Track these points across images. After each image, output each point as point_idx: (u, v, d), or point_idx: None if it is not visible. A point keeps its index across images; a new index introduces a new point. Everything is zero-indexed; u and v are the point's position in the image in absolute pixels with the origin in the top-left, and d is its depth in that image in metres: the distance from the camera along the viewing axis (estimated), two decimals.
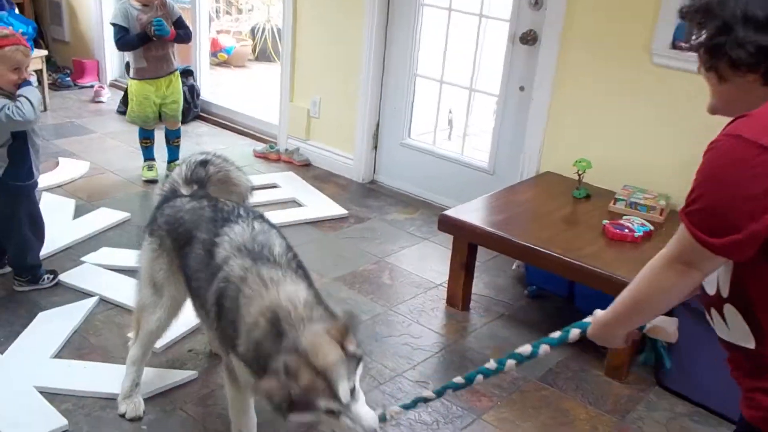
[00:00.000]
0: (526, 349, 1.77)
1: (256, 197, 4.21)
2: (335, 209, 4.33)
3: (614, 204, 3.44)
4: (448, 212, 3.35)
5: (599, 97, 3.69)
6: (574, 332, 1.71)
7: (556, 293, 3.57)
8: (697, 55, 1.43)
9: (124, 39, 4.32)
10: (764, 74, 1.34)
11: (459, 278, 3.37)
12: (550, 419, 2.78)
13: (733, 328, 1.46)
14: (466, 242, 3.31)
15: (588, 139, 3.75)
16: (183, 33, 4.46)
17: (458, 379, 1.90)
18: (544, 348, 1.76)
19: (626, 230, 3.17)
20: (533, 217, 3.41)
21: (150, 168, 4.60)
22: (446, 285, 3.51)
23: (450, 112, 5.04)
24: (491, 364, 1.82)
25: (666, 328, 1.70)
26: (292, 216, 4.16)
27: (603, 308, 3.03)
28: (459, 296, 3.40)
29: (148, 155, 4.63)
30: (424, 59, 4.46)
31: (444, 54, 4.37)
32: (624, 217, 3.30)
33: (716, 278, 1.45)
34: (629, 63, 3.55)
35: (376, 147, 4.75)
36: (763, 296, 1.38)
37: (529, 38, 3.91)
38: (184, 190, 2.55)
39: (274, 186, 4.58)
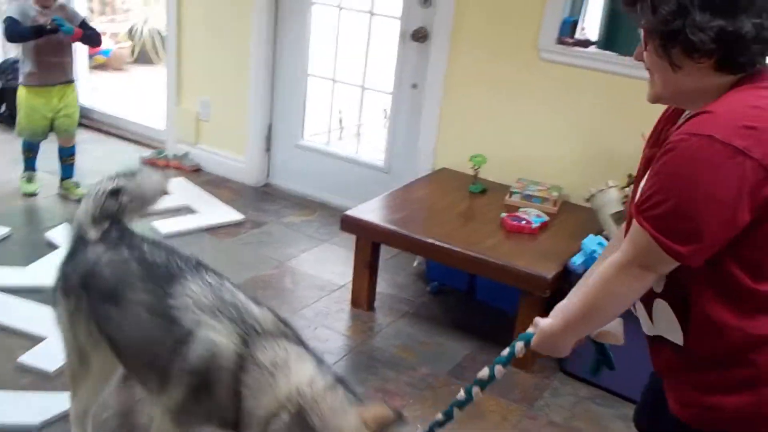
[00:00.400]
0: (483, 373, 1.69)
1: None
2: (231, 215, 4.22)
3: (510, 197, 3.51)
4: (350, 212, 3.33)
5: (491, 93, 3.76)
6: (519, 346, 1.64)
7: (457, 288, 3.61)
8: (644, 43, 1.37)
9: (16, 28, 3.84)
10: (719, 60, 1.30)
11: (363, 278, 3.35)
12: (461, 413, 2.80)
13: (659, 323, 1.47)
14: (370, 241, 3.29)
15: (482, 135, 3.81)
16: (91, 33, 4.10)
17: (439, 416, 1.79)
18: (498, 369, 1.68)
19: (523, 222, 3.24)
20: (433, 213, 3.43)
21: (29, 180, 4.27)
22: (349, 286, 3.48)
23: (340, 112, 5.02)
24: (461, 395, 1.74)
25: (613, 331, 1.65)
26: (186, 224, 4.02)
27: (504, 299, 3.10)
28: (364, 296, 3.38)
29: (29, 165, 4.27)
30: (315, 58, 4.42)
31: (336, 52, 4.34)
32: (520, 209, 3.37)
33: None
34: (518, 59, 3.64)
35: (269, 149, 4.66)
36: (699, 294, 1.37)
37: (420, 36, 3.93)
38: (93, 233, 2.15)
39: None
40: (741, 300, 1.36)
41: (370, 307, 3.41)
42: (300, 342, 1.88)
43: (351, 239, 3.79)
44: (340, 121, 5.12)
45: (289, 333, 1.88)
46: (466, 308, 3.52)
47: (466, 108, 3.86)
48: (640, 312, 1.52)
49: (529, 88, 3.65)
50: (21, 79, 4.08)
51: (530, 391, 2.96)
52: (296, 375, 1.75)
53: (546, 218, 3.29)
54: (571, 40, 3.54)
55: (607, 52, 3.44)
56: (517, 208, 3.39)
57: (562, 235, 3.22)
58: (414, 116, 4.07)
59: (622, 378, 2.85)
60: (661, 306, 1.45)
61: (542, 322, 1.58)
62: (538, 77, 3.61)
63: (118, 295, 2.00)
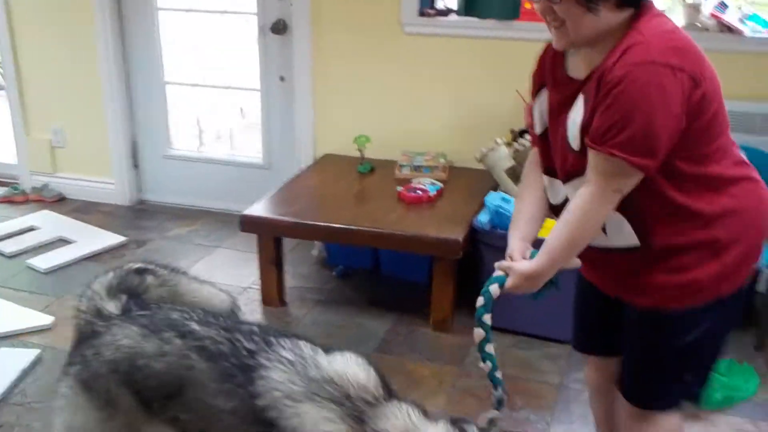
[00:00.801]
0: (478, 333, 1.70)
1: (15, 245, 3.84)
2: (110, 238, 4.00)
3: (399, 171, 3.57)
4: (248, 212, 3.25)
5: (361, 73, 3.79)
6: (494, 288, 1.68)
7: (362, 267, 3.64)
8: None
9: None
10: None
11: (271, 275, 3.30)
12: (398, 385, 2.81)
13: (613, 234, 1.62)
14: (272, 238, 3.24)
15: (360, 116, 3.84)
16: None
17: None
18: (486, 318, 1.70)
19: (419, 192, 3.31)
20: (330, 199, 3.42)
21: None
22: (255, 286, 3.42)
23: (198, 121, 4.86)
24: (485, 366, 1.74)
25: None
26: (65, 256, 3.77)
27: (409, 270, 3.19)
28: (274, 293, 3.32)
29: None
30: (173, 65, 4.27)
31: (193, 56, 4.22)
32: (413, 181, 3.44)
33: None
34: (383, 36, 3.69)
35: (137, 165, 4.47)
36: (650, 201, 1.58)
37: (279, 28, 3.89)
38: (112, 306, 1.77)
39: (31, 229, 4.11)
40: (689, 184, 1.58)
41: (282, 302, 3.36)
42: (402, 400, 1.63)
43: (244, 241, 3.75)
44: (198, 126, 4.96)
45: (393, 395, 1.62)
46: (376, 285, 3.55)
47: (339, 92, 3.87)
48: None
49: (399, 63, 3.72)
50: None
51: (456, 351, 3.03)
52: None
53: (440, 185, 3.37)
54: (432, 11, 3.64)
55: (469, 18, 3.55)
56: (410, 180, 3.45)
57: (459, 198, 3.31)
58: (287, 108, 4.03)
59: (539, 321, 3.00)
60: (616, 219, 1.60)
61: (520, 266, 1.67)
62: (405, 51, 3.69)
63: (189, 402, 1.63)
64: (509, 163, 3.13)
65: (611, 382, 1.93)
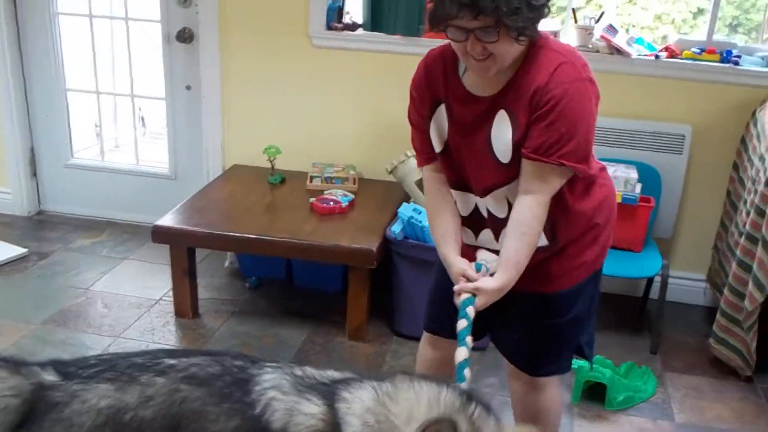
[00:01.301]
0: (460, 355, 1.73)
1: None
2: (10, 250, 3.87)
3: (311, 182, 3.64)
4: (160, 223, 3.22)
5: (270, 84, 3.83)
6: (470, 311, 1.77)
7: (275, 278, 3.69)
8: (487, 41, 1.66)
9: None
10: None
11: (184, 286, 3.29)
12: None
13: None
14: (185, 249, 3.24)
15: (268, 127, 3.87)
16: None
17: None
18: (468, 341, 1.75)
19: (332, 203, 3.39)
20: (242, 209, 3.43)
21: None
22: (167, 298, 3.43)
23: (96, 125, 4.75)
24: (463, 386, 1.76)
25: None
26: None
27: (322, 281, 3.34)
28: (187, 304, 3.32)
29: None
30: (75, 72, 4.17)
31: (95, 63, 4.13)
32: (325, 192, 3.51)
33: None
34: (292, 48, 3.74)
35: (35, 174, 4.33)
36: (555, 207, 1.83)
37: (185, 36, 3.88)
38: (47, 375, 1.52)
39: None
40: (579, 186, 1.87)
41: (195, 314, 3.37)
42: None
43: (153, 252, 3.74)
44: (97, 135, 4.85)
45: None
46: (290, 295, 3.60)
47: (248, 102, 3.89)
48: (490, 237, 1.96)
49: (307, 75, 3.78)
50: None
51: (373, 358, 3.13)
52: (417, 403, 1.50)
53: (352, 196, 3.47)
54: (339, 25, 3.72)
55: (375, 33, 3.66)
56: (321, 192, 3.52)
57: (370, 208, 3.42)
58: (194, 118, 4.02)
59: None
60: None
61: (489, 285, 1.78)
62: (313, 63, 3.75)
63: None
64: (418, 175, 3.26)
65: (442, 361, 2.11)
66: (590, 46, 3.40)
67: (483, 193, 1.88)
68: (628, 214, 3.17)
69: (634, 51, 3.40)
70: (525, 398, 2.13)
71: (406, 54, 3.62)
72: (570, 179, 1.81)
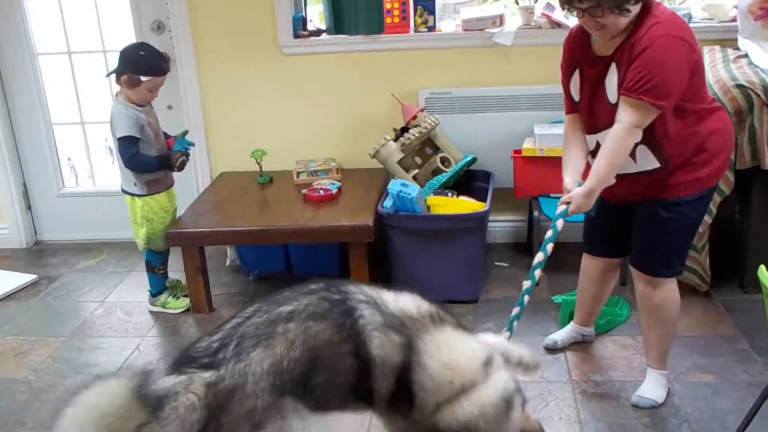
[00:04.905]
0: (538, 257, 2.53)
1: None
2: (20, 278, 4.09)
3: (298, 177, 3.98)
4: (171, 229, 3.51)
5: (248, 94, 4.16)
6: (560, 223, 2.49)
7: (275, 269, 4.00)
8: (594, 15, 2.26)
9: (142, 160, 3.44)
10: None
11: (198, 283, 3.58)
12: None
13: (642, 162, 2.44)
14: (197, 248, 3.53)
15: (251, 135, 4.20)
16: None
17: (515, 309, 2.56)
18: (549, 247, 2.51)
19: (322, 192, 3.73)
20: (242, 208, 3.71)
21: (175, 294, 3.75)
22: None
23: (69, 159, 4.95)
24: (527, 284, 2.53)
25: None
26: None
27: (319, 265, 3.91)
28: (203, 300, 3.61)
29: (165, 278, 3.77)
30: (58, 105, 4.43)
31: (77, 95, 4.39)
32: (314, 183, 3.85)
33: None
34: (265, 60, 4.09)
35: (29, 207, 4.56)
36: (665, 134, 2.36)
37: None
38: (203, 374, 1.84)
39: None
40: (691, 118, 2.39)
41: (211, 309, 3.66)
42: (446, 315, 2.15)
43: None
44: (72, 168, 5.05)
45: (439, 312, 2.09)
46: (293, 282, 3.86)
47: (229, 115, 4.21)
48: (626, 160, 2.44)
49: (281, 82, 4.12)
50: (141, 190, 3.53)
51: None
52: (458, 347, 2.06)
53: (339, 184, 3.82)
54: (305, 33, 4.07)
55: (339, 36, 4.02)
56: (310, 184, 3.86)
57: (357, 192, 3.77)
58: None
59: (439, 288, 3.48)
60: (641, 149, 2.42)
61: (577, 191, 2.44)
62: (285, 71, 4.10)
63: (323, 363, 1.91)
64: (399, 155, 3.63)
65: (603, 273, 2.88)
66: (533, 23, 3.81)
67: (596, 132, 2.51)
68: None
69: (572, 22, 3.83)
70: (645, 295, 2.65)
71: (369, 51, 4.01)
72: (681, 112, 2.34)
